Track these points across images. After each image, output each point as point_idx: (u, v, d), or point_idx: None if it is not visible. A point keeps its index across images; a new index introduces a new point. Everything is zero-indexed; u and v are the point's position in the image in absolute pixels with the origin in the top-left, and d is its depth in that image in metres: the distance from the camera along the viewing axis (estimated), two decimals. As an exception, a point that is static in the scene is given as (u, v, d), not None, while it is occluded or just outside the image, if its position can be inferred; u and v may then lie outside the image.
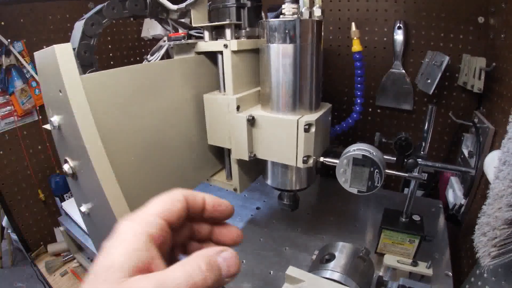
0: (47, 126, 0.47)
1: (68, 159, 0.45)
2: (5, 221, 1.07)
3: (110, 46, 1.16)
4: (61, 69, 0.37)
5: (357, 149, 0.52)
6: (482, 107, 0.81)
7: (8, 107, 0.94)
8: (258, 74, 0.60)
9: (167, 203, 0.25)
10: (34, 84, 0.98)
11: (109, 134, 0.45)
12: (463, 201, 0.76)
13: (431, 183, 0.94)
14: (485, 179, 0.72)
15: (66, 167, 0.45)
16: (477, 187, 0.76)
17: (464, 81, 0.80)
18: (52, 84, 0.40)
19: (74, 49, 0.49)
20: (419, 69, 0.86)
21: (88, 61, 0.52)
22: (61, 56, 0.37)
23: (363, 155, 0.51)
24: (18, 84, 0.94)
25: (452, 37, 0.82)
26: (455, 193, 0.81)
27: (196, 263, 0.20)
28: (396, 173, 0.55)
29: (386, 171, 0.53)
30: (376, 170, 0.50)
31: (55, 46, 0.37)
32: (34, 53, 0.44)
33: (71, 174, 0.45)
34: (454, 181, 0.85)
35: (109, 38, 1.15)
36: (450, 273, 0.65)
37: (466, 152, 0.80)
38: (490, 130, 0.70)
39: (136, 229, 0.22)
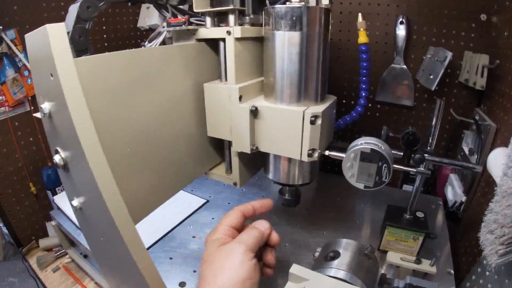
0: (38, 115, 0.44)
1: (59, 149, 0.42)
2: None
3: (105, 36, 1.12)
4: (53, 50, 0.34)
5: (365, 142, 0.50)
6: (483, 105, 0.81)
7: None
8: (261, 65, 0.58)
9: (233, 216, 0.51)
10: (26, 73, 0.94)
11: (104, 122, 0.43)
12: (463, 199, 0.76)
13: (430, 180, 0.94)
14: (486, 177, 0.72)
15: (57, 158, 0.43)
16: (477, 184, 0.75)
17: (465, 78, 0.79)
18: (43, 67, 0.37)
19: (68, 33, 0.46)
20: (420, 65, 0.86)
21: (83, 46, 0.49)
22: (54, 36, 0.34)
23: (372, 149, 0.49)
24: (10, 73, 0.91)
25: (454, 33, 0.82)
26: (454, 191, 0.81)
27: (247, 230, 0.48)
28: (404, 168, 0.53)
29: (394, 165, 0.51)
30: (385, 164, 0.49)
31: (47, 25, 0.34)
32: (25, 35, 0.40)
33: (62, 166, 0.42)
34: (454, 178, 0.84)
35: (104, 28, 1.11)
36: (452, 271, 0.65)
37: (466, 150, 0.80)
38: (491, 127, 0.69)
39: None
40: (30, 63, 0.43)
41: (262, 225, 0.50)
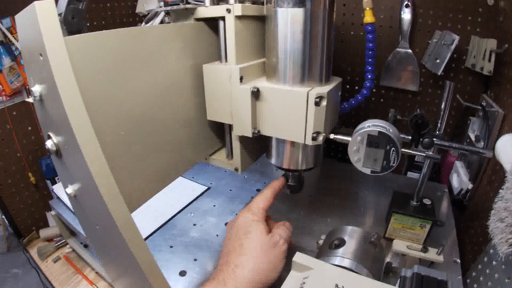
0: (30, 99, 0.42)
1: (51, 135, 0.40)
2: (-5, 207, 1.02)
3: (103, 23, 1.09)
4: (42, 28, 0.32)
5: (372, 125, 0.48)
6: (490, 91, 0.79)
7: (-4, 86, 0.89)
8: (263, 45, 0.55)
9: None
10: (23, 61, 0.92)
11: (97, 105, 0.41)
12: (469, 186, 0.74)
13: (434, 166, 0.92)
14: (492, 164, 0.70)
15: (49, 144, 0.41)
16: (483, 172, 0.73)
17: (472, 63, 0.77)
18: (32, 48, 0.35)
19: (60, 14, 0.44)
20: (425, 49, 0.83)
21: (76, 27, 0.46)
22: (42, 14, 0.32)
23: (380, 132, 0.47)
24: (6, 61, 0.89)
25: (460, 17, 0.79)
26: (460, 178, 0.79)
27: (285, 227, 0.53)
28: (413, 152, 0.51)
29: (402, 150, 0.49)
30: (393, 148, 0.46)
31: (35, 2, 0.32)
32: (15, 16, 0.38)
33: (55, 151, 0.40)
34: (459, 165, 0.82)
35: (102, 14, 1.08)
36: (458, 260, 0.63)
37: (472, 136, 0.78)
38: (499, 114, 0.68)
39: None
40: (21, 45, 0.41)
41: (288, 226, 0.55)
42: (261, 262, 0.44)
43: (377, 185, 0.90)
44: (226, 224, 0.78)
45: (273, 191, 0.56)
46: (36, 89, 0.37)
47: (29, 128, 0.98)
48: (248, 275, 0.43)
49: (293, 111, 0.49)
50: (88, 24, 1.05)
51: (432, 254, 0.57)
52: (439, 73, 0.77)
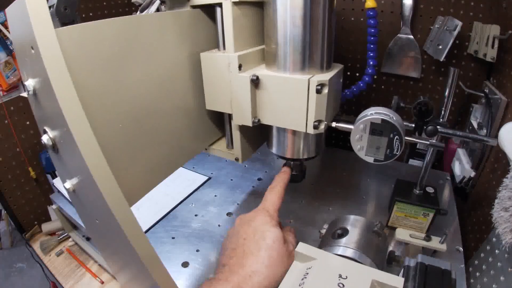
0: (25, 94, 0.41)
1: (47, 129, 0.39)
2: (-4, 202, 1.02)
3: (99, 13, 1.07)
4: (32, 20, 0.30)
5: (375, 112, 0.47)
6: (493, 78, 0.78)
7: (-8, 82, 0.87)
8: (261, 33, 0.54)
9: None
10: (16, 56, 0.90)
11: (92, 97, 0.39)
12: (472, 174, 0.73)
13: (437, 154, 0.91)
14: (495, 152, 0.69)
15: (45, 138, 0.40)
16: (486, 160, 0.73)
17: (475, 49, 0.76)
18: (24, 41, 0.34)
19: (51, 6, 0.42)
20: (427, 35, 0.82)
21: (69, 18, 0.44)
22: (32, 5, 0.31)
23: (383, 120, 0.45)
24: (2, 56, 0.88)
25: (463, 3, 0.78)
26: (462, 166, 0.78)
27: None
28: (416, 140, 0.50)
29: (405, 138, 0.48)
30: (396, 136, 0.45)
31: None
32: (6, 9, 0.37)
33: (51, 146, 0.40)
34: (461, 153, 0.81)
35: (97, 5, 1.06)
36: (461, 248, 0.63)
37: (475, 124, 0.77)
38: (502, 101, 0.67)
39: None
40: (12, 38, 0.40)
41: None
42: (276, 271, 0.43)
43: (379, 173, 0.89)
44: (228, 214, 0.78)
45: (284, 186, 0.54)
46: (30, 83, 0.36)
47: (28, 122, 0.97)
48: (264, 282, 0.42)
49: (294, 99, 0.48)
50: (83, 16, 1.03)
51: (435, 242, 0.56)
52: (441, 59, 0.76)
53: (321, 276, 0.40)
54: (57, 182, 0.96)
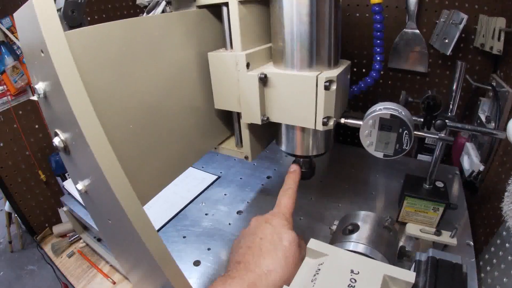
0: (34, 97, 0.42)
1: (58, 131, 0.40)
2: (7, 206, 1.04)
3: (104, 16, 1.07)
4: (41, 24, 0.31)
5: (384, 108, 0.47)
6: (500, 71, 0.78)
7: (0, 87, 0.89)
8: (268, 31, 0.54)
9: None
10: (25, 60, 0.92)
11: (103, 99, 0.40)
12: (481, 168, 0.73)
13: (445, 148, 0.91)
14: (503, 145, 0.69)
15: (56, 141, 0.40)
16: (494, 153, 0.72)
17: (481, 42, 0.76)
18: (33, 45, 0.34)
19: (59, 9, 0.43)
20: (433, 29, 0.82)
21: (76, 21, 0.45)
22: (40, 9, 0.31)
23: (392, 115, 0.45)
24: (9, 61, 0.89)
25: (468, -4, 0.77)
26: (471, 160, 0.78)
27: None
28: (426, 134, 0.50)
29: (414, 132, 0.48)
30: (406, 131, 0.45)
31: None
32: (14, 14, 0.37)
33: (63, 148, 0.40)
34: (470, 147, 0.81)
35: (102, 7, 1.06)
36: (472, 243, 0.63)
37: (483, 117, 0.77)
38: (509, 94, 0.67)
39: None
40: (21, 42, 0.40)
41: None
42: (290, 273, 0.43)
43: (388, 169, 0.89)
44: (238, 212, 0.78)
45: (296, 188, 0.54)
46: (40, 86, 0.36)
47: (36, 126, 0.98)
48: (278, 282, 0.42)
49: (302, 96, 0.48)
50: (89, 19, 1.04)
51: (446, 237, 0.56)
52: (448, 53, 0.76)
53: (333, 271, 0.40)
54: (67, 185, 0.97)
